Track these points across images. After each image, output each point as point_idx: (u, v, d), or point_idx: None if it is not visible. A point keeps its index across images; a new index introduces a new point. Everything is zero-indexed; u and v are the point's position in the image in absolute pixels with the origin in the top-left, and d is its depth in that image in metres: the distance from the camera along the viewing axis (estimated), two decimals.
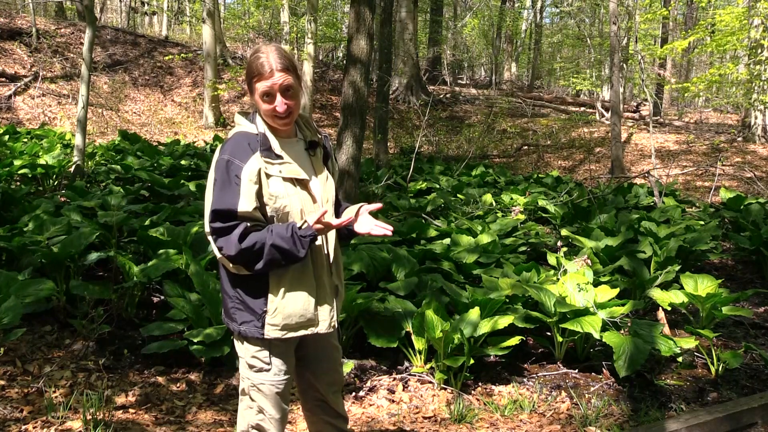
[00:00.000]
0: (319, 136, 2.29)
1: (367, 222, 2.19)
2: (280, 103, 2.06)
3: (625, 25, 17.07)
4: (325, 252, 2.21)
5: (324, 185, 2.22)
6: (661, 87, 20.96)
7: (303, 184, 2.14)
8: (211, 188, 2.05)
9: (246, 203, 2.01)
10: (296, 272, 2.11)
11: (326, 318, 2.20)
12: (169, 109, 16.51)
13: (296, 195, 2.10)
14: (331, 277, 2.23)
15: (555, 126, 17.93)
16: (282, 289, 2.10)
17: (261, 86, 2.05)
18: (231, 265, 2.05)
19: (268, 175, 2.06)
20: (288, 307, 2.11)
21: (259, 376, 2.17)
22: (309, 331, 2.17)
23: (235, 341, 2.23)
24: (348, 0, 15.19)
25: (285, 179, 2.09)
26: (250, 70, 2.08)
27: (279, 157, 2.10)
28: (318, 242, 2.16)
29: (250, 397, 2.22)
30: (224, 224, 2.01)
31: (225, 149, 2.07)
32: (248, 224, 2.02)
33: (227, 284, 2.15)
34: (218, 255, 2.06)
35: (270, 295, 2.10)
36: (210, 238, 2.06)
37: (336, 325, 2.25)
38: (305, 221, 2.08)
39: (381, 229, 2.15)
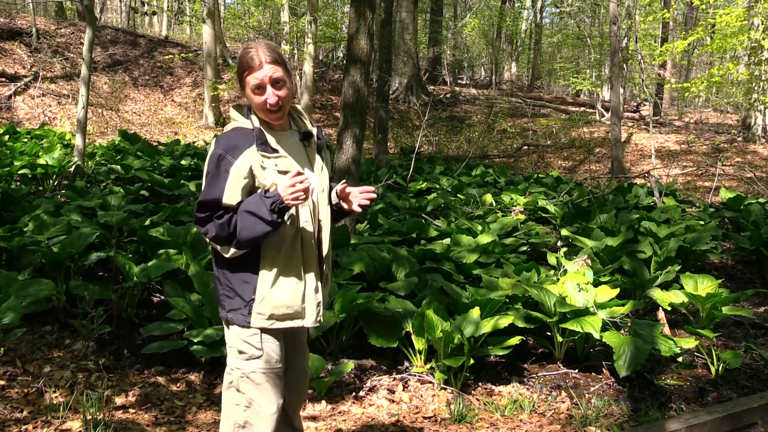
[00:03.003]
0: (313, 127, 2.30)
1: (352, 197, 2.28)
2: (270, 95, 2.09)
3: (625, 26, 17.06)
4: (315, 243, 2.21)
5: (319, 176, 2.26)
6: (661, 87, 20.95)
7: None
8: (203, 181, 2.12)
9: (230, 196, 2.06)
10: (285, 261, 2.14)
11: (313, 312, 2.20)
12: (169, 109, 16.51)
13: None
14: (321, 269, 2.24)
15: (555, 126, 17.93)
16: (270, 278, 2.12)
17: (251, 79, 2.09)
18: (220, 248, 2.10)
19: (263, 168, 2.09)
20: (276, 297, 2.12)
21: (249, 364, 2.14)
22: (295, 324, 2.17)
23: (226, 331, 2.23)
24: (348, 0, 15.20)
25: (280, 172, 2.11)
26: (240, 65, 2.13)
27: (275, 151, 2.14)
28: (309, 229, 2.17)
29: (238, 390, 2.16)
30: (206, 213, 2.08)
31: (219, 143, 2.11)
32: (231, 213, 2.07)
33: (219, 271, 2.19)
34: (207, 240, 2.13)
35: (259, 284, 2.12)
36: (197, 227, 2.14)
37: (321, 320, 2.24)
38: (274, 184, 2.09)
39: (365, 196, 2.25)
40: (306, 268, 2.18)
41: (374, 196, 2.28)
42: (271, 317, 2.13)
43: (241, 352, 2.16)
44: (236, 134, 2.12)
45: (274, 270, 2.12)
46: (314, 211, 2.22)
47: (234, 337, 2.17)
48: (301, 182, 2.03)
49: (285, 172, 2.11)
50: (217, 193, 2.06)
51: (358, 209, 2.28)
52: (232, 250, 2.09)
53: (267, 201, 2.03)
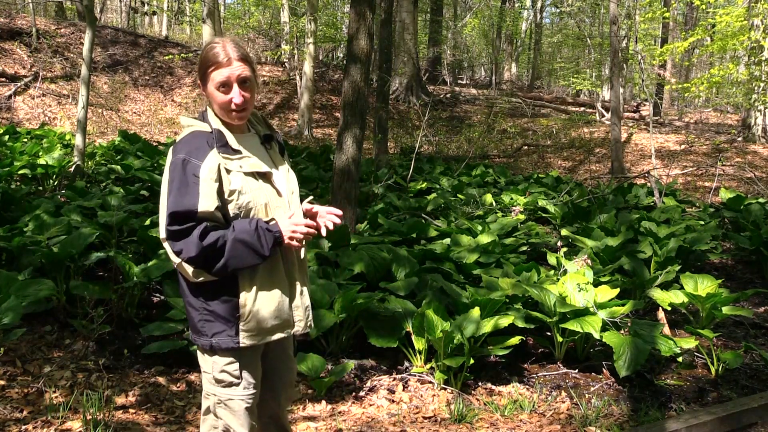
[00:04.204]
0: (273, 130, 2.24)
1: (319, 218, 2.18)
2: (237, 94, 1.98)
3: (625, 26, 17.06)
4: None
5: (287, 177, 2.16)
6: (661, 87, 20.96)
7: (266, 177, 2.06)
8: (166, 190, 1.94)
9: (206, 202, 1.91)
10: (267, 271, 2.02)
11: (302, 317, 2.13)
12: (169, 109, 16.51)
13: (260, 189, 2.02)
14: (302, 274, 2.16)
15: (555, 126, 17.93)
16: (253, 291, 2.00)
17: (217, 76, 1.98)
18: (191, 270, 1.93)
19: (228, 171, 1.96)
20: (262, 310, 2.01)
21: (227, 391, 2.06)
22: (285, 334, 2.09)
23: (200, 356, 2.10)
24: (348, 0, 15.19)
25: (246, 174, 2.00)
26: (205, 60, 2.00)
27: (237, 151, 2.01)
28: None
29: (215, 415, 2.10)
30: (182, 226, 1.89)
31: (179, 149, 1.96)
32: (208, 224, 1.92)
33: (190, 295, 2.03)
34: (176, 261, 1.94)
35: (241, 300, 2.00)
36: (166, 243, 1.94)
37: (312, 325, 2.18)
38: (273, 219, 2.02)
39: (330, 219, 2.14)
40: (288, 274, 2.08)
41: (338, 221, 2.16)
42: (260, 332, 2.02)
43: (218, 381, 2.06)
44: (195, 138, 1.99)
45: (256, 282, 2.00)
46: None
47: (211, 364, 2.06)
48: (308, 228, 1.99)
49: (251, 173, 2.01)
50: (191, 201, 1.89)
51: (324, 233, 2.14)
52: (205, 275, 1.94)
53: (268, 236, 1.94)
